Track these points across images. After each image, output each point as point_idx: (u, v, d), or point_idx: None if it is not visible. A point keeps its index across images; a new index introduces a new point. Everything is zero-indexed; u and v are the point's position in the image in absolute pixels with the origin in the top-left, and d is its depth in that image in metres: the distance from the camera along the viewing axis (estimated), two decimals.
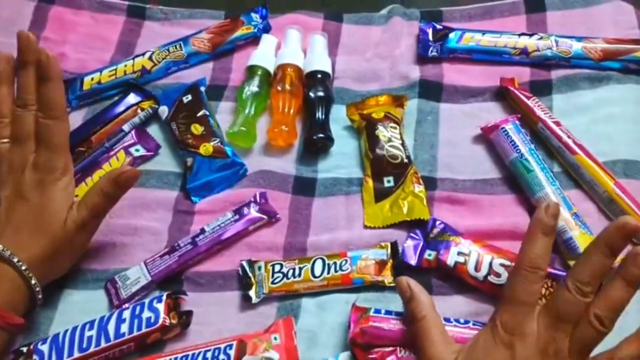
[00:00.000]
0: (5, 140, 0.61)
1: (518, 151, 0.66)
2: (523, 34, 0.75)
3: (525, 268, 0.51)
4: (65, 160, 0.62)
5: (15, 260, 0.58)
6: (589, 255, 0.49)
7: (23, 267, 0.58)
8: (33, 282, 0.59)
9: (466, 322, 0.59)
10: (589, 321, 0.48)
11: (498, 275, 0.60)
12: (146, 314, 0.60)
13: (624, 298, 0.48)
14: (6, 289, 0.58)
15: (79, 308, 0.64)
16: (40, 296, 0.60)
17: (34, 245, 0.59)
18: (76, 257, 0.64)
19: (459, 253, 0.62)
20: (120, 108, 0.73)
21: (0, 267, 0.58)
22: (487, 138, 0.70)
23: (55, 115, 0.61)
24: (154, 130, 0.74)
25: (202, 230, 0.66)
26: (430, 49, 0.75)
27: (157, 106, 0.74)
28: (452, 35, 0.75)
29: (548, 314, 0.50)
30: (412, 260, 0.63)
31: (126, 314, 0.60)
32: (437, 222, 0.65)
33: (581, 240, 0.62)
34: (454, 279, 0.63)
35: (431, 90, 0.74)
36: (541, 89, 0.73)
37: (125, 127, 0.73)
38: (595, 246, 0.49)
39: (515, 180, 0.68)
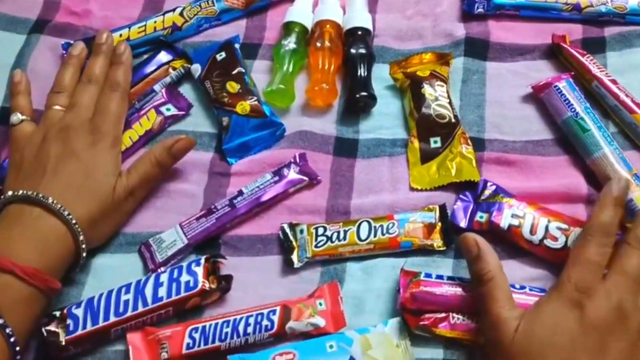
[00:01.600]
0: (60, 107, 0.65)
1: (573, 110, 0.63)
2: None
3: (597, 231, 0.51)
4: (118, 132, 0.64)
5: (66, 213, 0.56)
6: None
7: (73, 221, 0.57)
8: (81, 238, 0.57)
9: (522, 287, 0.56)
10: None
11: (555, 239, 0.57)
12: (184, 277, 0.57)
13: None
14: (52, 247, 0.56)
15: (111, 272, 0.61)
16: (84, 254, 0.58)
17: (81, 205, 0.58)
18: (120, 224, 0.63)
19: (513, 215, 0.59)
20: (151, 67, 0.70)
21: (50, 220, 0.56)
22: (538, 97, 0.66)
23: (120, 90, 0.65)
24: (186, 89, 0.71)
25: (240, 192, 0.63)
26: (476, 5, 0.72)
27: (189, 65, 0.71)
28: None
29: (616, 276, 0.50)
30: (463, 223, 0.60)
31: (164, 278, 0.58)
32: (489, 184, 0.62)
33: None
34: (506, 243, 0.60)
35: (477, 49, 0.71)
36: (594, 46, 0.70)
37: (156, 87, 0.70)
38: None
39: (567, 142, 0.64)
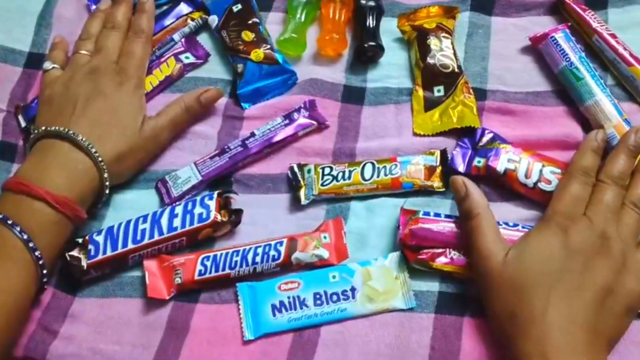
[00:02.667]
0: (87, 52, 0.69)
1: (567, 59, 0.65)
2: None
3: (578, 171, 0.56)
4: (142, 74, 0.69)
5: (94, 151, 0.60)
6: (617, 155, 0.56)
7: (100, 159, 0.60)
8: (105, 175, 0.61)
9: (515, 225, 0.59)
10: (629, 208, 0.54)
11: (548, 182, 0.60)
12: (198, 209, 0.61)
13: None
14: (80, 179, 0.60)
15: (130, 206, 0.65)
16: (107, 191, 0.62)
17: (109, 141, 0.62)
18: (144, 162, 0.67)
19: (509, 160, 0.62)
20: (171, 18, 0.74)
21: (79, 155, 0.60)
22: (537, 49, 0.69)
23: (144, 36, 0.69)
24: (203, 39, 0.75)
25: (252, 134, 0.66)
26: None
27: (207, 17, 0.74)
28: None
29: (594, 209, 0.54)
30: (461, 167, 0.63)
31: (178, 210, 0.61)
32: (487, 131, 0.65)
33: None
34: (503, 188, 0.63)
35: (483, 3, 0.73)
36: (597, 2, 0.72)
37: (176, 37, 0.73)
38: (621, 148, 0.57)
39: (566, 94, 0.67)
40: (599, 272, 0.51)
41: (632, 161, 0.57)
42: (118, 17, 0.70)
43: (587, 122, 0.65)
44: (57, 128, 0.61)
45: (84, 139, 0.60)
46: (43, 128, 0.61)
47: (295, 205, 0.64)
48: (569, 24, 0.69)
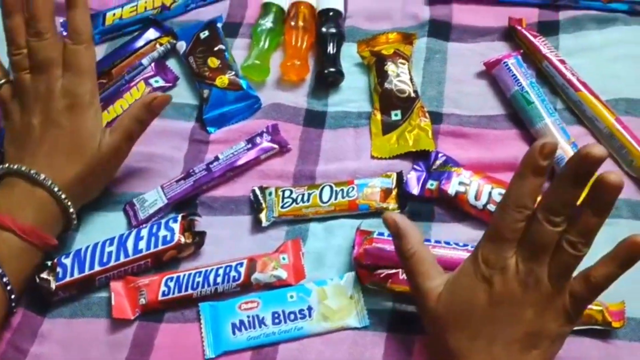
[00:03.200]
0: (26, 71, 0.63)
1: (519, 84, 0.68)
2: None
3: (510, 206, 0.49)
4: (93, 86, 0.64)
5: (49, 183, 0.61)
6: (555, 186, 0.48)
7: (56, 189, 0.61)
8: (67, 202, 0.62)
9: (464, 245, 0.62)
10: (563, 247, 0.48)
11: (497, 204, 0.63)
12: (162, 232, 0.64)
13: (594, 226, 0.48)
14: (42, 213, 0.62)
15: (99, 228, 0.67)
16: (74, 216, 0.64)
17: (68, 168, 0.63)
18: (108, 180, 0.68)
19: (460, 183, 0.65)
20: (140, 43, 0.76)
21: (36, 191, 0.61)
22: (490, 74, 0.72)
23: (83, 40, 0.63)
24: (172, 64, 0.77)
25: (217, 158, 0.69)
26: None
27: (175, 41, 0.77)
28: None
29: (524, 247, 0.49)
30: (415, 190, 0.66)
31: (144, 232, 0.64)
32: (440, 155, 0.67)
33: None
34: (455, 209, 0.65)
35: (440, 30, 0.76)
36: (549, 29, 0.75)
37: (144, 61, 0.76)
38: (561, 177, 0.47)
39: (518, 117, 0.70)
40: (525, 321, 0.49)
41: (576, 192, 0.47)
42: (39, 19, 0.61)
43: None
44: (17, 167, 0.62)
45: (44, 178, 0.61)
46: (6, 166, 0.62)
47: (257, 226, 0.66)
48: (521, 50, 0.71)
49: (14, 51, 0.63)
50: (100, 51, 0.78)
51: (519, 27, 0.73)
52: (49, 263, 0.63)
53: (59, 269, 0.62)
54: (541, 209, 0.48)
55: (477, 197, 0.64)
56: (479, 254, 0.51)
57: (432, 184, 0.66)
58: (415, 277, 0.54)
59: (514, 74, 0.69)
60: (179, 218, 0.65)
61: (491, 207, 0.63)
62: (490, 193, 0.63)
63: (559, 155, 0.65)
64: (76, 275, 0.62)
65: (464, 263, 0.53)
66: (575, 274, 0.50)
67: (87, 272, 0.62)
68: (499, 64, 0.70)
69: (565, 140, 0.66)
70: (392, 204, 0.66)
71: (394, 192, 0.66)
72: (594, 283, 0.49)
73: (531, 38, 0.72)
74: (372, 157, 0.69)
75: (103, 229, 0.67)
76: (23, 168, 0.61)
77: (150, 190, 0.68)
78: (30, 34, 0.62)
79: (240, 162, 0.69)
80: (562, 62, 0.70)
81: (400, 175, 0.67)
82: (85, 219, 0.68)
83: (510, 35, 0.75)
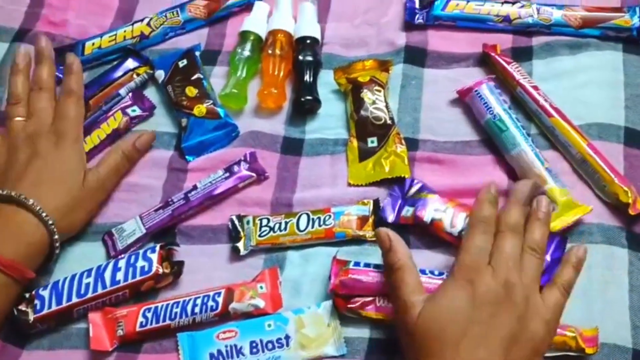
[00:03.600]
0: (21, 118, 0.70)
1: (492, 112, 0.69)
2: (506, 1, 0.77)
3: (478, 222, 0.58)
4: (79, 130, 0.70)
5: (38, 208, 0.63)
6: (510, 207, 0.59)
7: (44, 214, 0.63)
8: (53, 228, 0.63)
9: (440, 273, 0.62)
10: (528, 253, 0.57)
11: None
12: (140, 263, 0.64)
13: (543, 231, 0.59)
14: (26, 239, 0.63)
15: (78, 259, 0.68)
16: (58, 244, 0.64)
17: (53, 198, 0.65)
18: (92, 213, 0.70)
19: (436, 210, 0.65)
20: (118, 73, 0.77)
21: (21, 215, 0.63)
22: (464, 101, 0.72)
23: (74, 95, 0.71)
24: (150, 93, 0.78)
25: (195, 187, 0.70)
26: (417, 16, 0.78)
27: (152, 71, 0.77)
28: (437, 2, 0.78)
29: (497, 256, 0.56)
30: (391, 217, 0.67)
31: (122, 263, 0.65)
32: (415, 182, 0.68)
33: (555, 192, 0.65)
34: (431, 236, 0.66)
35: (416, 56, 0.77)
36: (522, 55, 0.76)
37: (122, 91, 0.76)
38: (514, 202, 0.59)
39: (493, 143, 0.70)
40: (504, 321, 0.53)
41: (525, 210, 0.59)
42: (44, 77, 0.72)
43: (513, 170, 0.68)
44: (6, 192, 0.63)
45: (29, 199, 0.63)
46: None
47: (235, 255, 0.67)
48: (494, 76, 0.72)
49: (11, 100, 0.72)
50: None
51: (493, 54, 0.74)
52: (27, 295, 0.63)
53: (36, 301, 0.63)
54: (505, 226, 0.58)
55: (452, 224, 0.64)
56: (457, 264, 0.56)
57: (407, 211, 0.66)
58: (400, 289, 0.57)
59: (486, 102, 0.70)
60: (157, 248, 0.65)
61: None
62: (465, 220, 0.64)
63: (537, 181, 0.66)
64: (54, 307, 0.63)
65: (444, 280, 0.58)
66: None
67: (65, 304, 0.63)
68: (471, 92, 0.71)
69: (540, 166, 0.66)
70: (368, 231, 0.66)
71: (371, 220, 0.67)
72: (559, 282, 0.57)
73: (505, 64, 0.73)
74: (349, 184, 0.70)
75: (81, 259, 0.68)
76: (13, 193, 0.63)
77: (129, 220, 0.69)
78: (34, 90, 0.72)
79: (218, 191, 0.69)
80: (536, 88, 0.71)
81: (376, 203, 0.68)
82: (64, 249, 0.68)
83: (484, 61, 0.76)
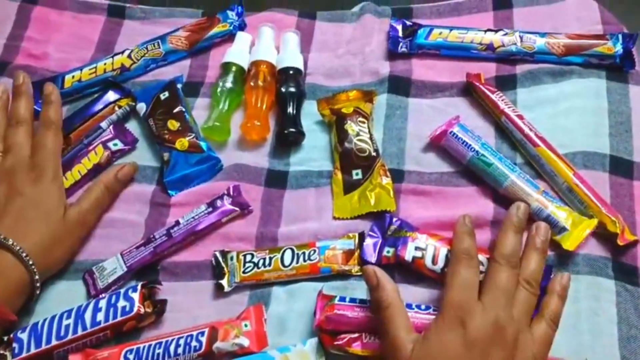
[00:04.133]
0: None
1: (472, 150, 0.68)
2: (489, 30, 0.77)
3: (460, 255, 0.57)
4: (57, 164, 0.69)
5: (17, 248, 0.62)
6: (505, 234, 0.58)
7: (24, 254, 0.62)
8: (34, 268, 0.62)
9: (427, 307, 0.61)
10: (523, 287, 0.56)
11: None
12: (121, 302, 0.63)
13: (540, 263, 0.58)
14: (6, 280, 0.62)
15: (58, 298, 0.66)
16: (39, 284, 0.63)
17: (33, 234, 0.64)
18: (73, 250, 0.68)
19: (416, 248, 0.64)
20: (99, 106, 0.76)
21: (5, 256, 0.62)
22: (440, 146, 0.71)
23: (52, 127, 0.70)
24: (132, 126, 0.77)
25: (177, 222, 0.68)
26: (400, 45, 0.78)
27: (134, 104, 0.76)
28: (420, 31, 0.77)
29: (489, 290, 0.56)
30: (372, 258, 0.66)
31: (102, 303, 0.63)
32: (394, 220, 0.67)
33: (559, 213, 0.65)
34: (414, 272, 0.65)
35: (400, 86, 0.76)
36: (506, 83, 0.75)
37: (103, 124, 0.75)
38: (509, 227, 0.59)
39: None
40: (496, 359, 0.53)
41: (520, 237, 0.58)
42: (21, 111, 0.70)
43: (501, 200, 0.68)
44: None
45: (9, 239, 0.62)
46: None
47: (219, 291, 0.66)
48: (458, 115, 0.72)
49: None
50: None
51: (477, 83, 0.73)
52: (5, 338, 0.62)
53: (15, 344, 0.61)
54: (499, 255, 0.57)
55: (434, 261, 0.63)
56: (445, 304, 0.55)
57: (388, 251, 0.65)
58: (389, 327, 0.56)
59: (464, 141, 0.69)
60: (139, 287, 0.64)
61: None
62: (447, 256, 0.63)
63: (536, 207, 0.65)
64: (33, 350, 0.61)
65: (434, 319, 0.56)
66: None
67: (44, 347, 0.61)
68: (445, 135, 0.70)
69: (536, 191, 0.66)
70: (354, 266, 0.66)
71: (356, 254, 0.66)
72: (547, 315, 0.57)
73: (489, 93, 0.72)
74: (334, 217, 0.69)
75: (61, 298, 0.66)
76: None
77: (110, 258, 0.68)
78: (12, 124, 0.70)
79: (201, 227, 0.68)
80: (520, 117, 0.71)
81: (362, 236, 0.67)
82: (45, 287, 0.66)
83: (469, 90, 0.75)
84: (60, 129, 0.71)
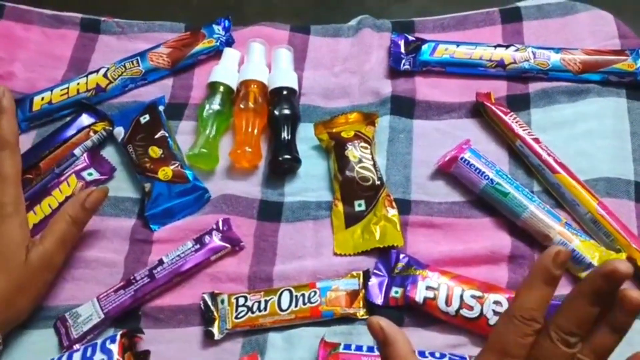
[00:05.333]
0: None
1: (486, 177, 0.62)
2: (499, 45, 0.71)
3: (519, 318, 0.43)
4: (17, 193, 0.59)
5: None
6: (572, 303, 0.42)
7: None
8: None
9: (442, 355, 0.55)
10: None
11: (470, 308, 0.57)
12: (98, 356, 0.56)
13: (611, 345, 0.42)
14: None
15: (26, 348, 0.59)
16: (1, 341, 0.56)
17: None
18: (40, 295, 0.61)
19: (428, 287, 0.58)
20: (72, 131, 0.69)
21: None
22: (449, 173, 0.65)
23: (6, 146, 0.59)
24: (109, 152, 0.70)
25: (160, 262, 0.62)
26: (403, 62, 0.72)
27: (111, 128, 0.70)
28: (425, 47, 0.71)
29: None
30: (379, 300, 0.60)
31: (76, 357, 0.56)
32: (402, 256, 0.61)
33: (583, 248, 0.59)
34: (425, 314, 0.59)
35: (403, 107, 0.70)
36: (518, 103, 0.70)
37: (77, 152, 0.68)
38: (580, 294, 0.42)
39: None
40: None
41: (592, 310, 0.41)
42: None
43: (518, 232, 0.62)
44: None
45: None
46: None
47: (209, 339, 0.59)
48: (468, 139, 0.66)
49: None
50: (28, 141, 0.70)
51: (488, 104, 0.67)
52: None
53: None
54: (555, 327, 0.42)
55: (448, 303, 0.57)
56: None
57: (396, 292, 0.59)
58: None
59: (477, 168, 0.63)
60: (118, 337, 0.57)
61: (465, 312, 0.57)
62: (461, 296, 0.57)
63: (559, 241, 0.59)
64: None
65: None
66: None
67: None
68: (455, 162, 0.64)
69: (558, 223, 0.60)
70: (359, 308, 0.59)
71: (361, 294, 0.60)
72: None
73: (502, 115, 0.66)
74: (335, 253, 0.63)
75: (30, 349, 0.59)
76: None
77: (85, 303, 0.60)
78: None
79: (187, 266, 0.61)
80: (537, 141, 0.65)
81: (367, 275, 0.60)
82: (10, 339, 0.59)
83: (478, 111, 0.69)
84: (17, 147, 0.60)
